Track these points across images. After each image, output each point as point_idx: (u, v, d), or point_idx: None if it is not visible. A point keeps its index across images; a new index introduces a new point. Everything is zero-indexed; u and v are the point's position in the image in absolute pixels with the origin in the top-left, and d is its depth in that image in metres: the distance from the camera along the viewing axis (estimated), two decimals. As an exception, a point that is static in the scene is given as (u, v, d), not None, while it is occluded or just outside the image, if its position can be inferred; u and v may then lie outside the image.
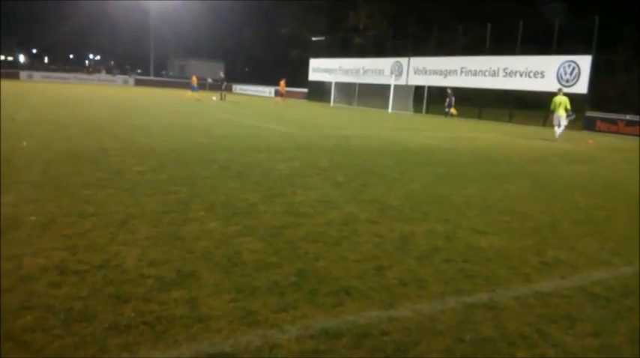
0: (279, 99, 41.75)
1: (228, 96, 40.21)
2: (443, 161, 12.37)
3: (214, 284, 4.01)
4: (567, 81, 29.99)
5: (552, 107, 20.36)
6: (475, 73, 35.48)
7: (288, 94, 55.77)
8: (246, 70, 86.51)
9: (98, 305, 3.50)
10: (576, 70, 29.58)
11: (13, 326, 3.15)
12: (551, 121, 20.66)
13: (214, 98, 36.92)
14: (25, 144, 10.67)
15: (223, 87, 39.46)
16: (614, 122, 28.34)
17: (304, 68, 54.58)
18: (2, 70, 61.83)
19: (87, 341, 3.03)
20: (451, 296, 4.08)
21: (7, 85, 41.61)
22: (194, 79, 37.98)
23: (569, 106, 20.22)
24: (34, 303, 3.47)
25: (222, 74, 38.97)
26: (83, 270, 4.10)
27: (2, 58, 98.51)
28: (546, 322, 3.71)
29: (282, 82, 42.73)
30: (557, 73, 30.53)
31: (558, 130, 20.32)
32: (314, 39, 54.19)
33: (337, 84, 45.65)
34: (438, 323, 3.57)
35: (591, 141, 20.68)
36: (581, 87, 29.26)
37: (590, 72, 28.98)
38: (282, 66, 72.48)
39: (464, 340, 3.35)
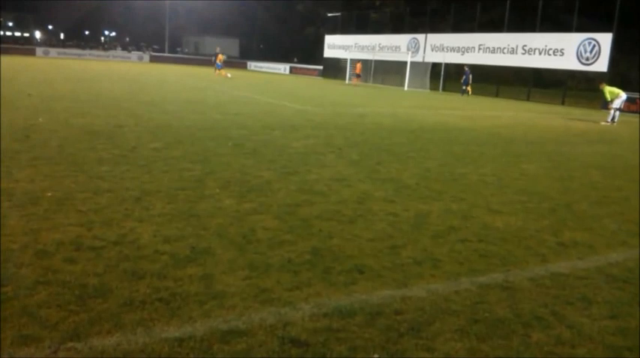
0: (355, 80, 41.83)
1: (227, 72, 40.02)
2: (459, 139, 12.26)
3: (229, 261, 4.02)
4: (587, 59, 29.46)
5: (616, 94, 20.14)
6: (493, 50, 34.93)
7: (303, 72, 55.56)
8: (261, 46, 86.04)
9: (113, 281, 3.53)
10: (597, 48, 29.01)
11: (29, 301, 3.18)
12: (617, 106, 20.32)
13: (229, 75, 36.81)
14: (41, 120, 10.73)
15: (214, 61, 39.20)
16: (634, 101, 27.84)
17: (319, 45, 54.15)
18: (19, 47, 62.40)
19: (102, 316, 3.06)
20: (466, 276, 4.06)
21: (24, 61, 41.84)
22: (220, 58, 37.62)
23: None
24: (49, 279, 3.50)
25: (217, 49, 38.92)
26: (99, 246, 4.13)
27: (18, 34, 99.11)
28: (562, 303, 3.67)
29: (359, 65, 42.67)
30: (576, 51, 29.97)
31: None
32: (329, 15, 53.65)
33: (353, 61, 45.24)
34: (452, 304, 3.55)
35: (609, 120, 20.36)
36: (602, 65, 28.70)
37: (611, 50, 28.41)
38: (298, 42, 72.02)
39: (478, 320, 3.33)
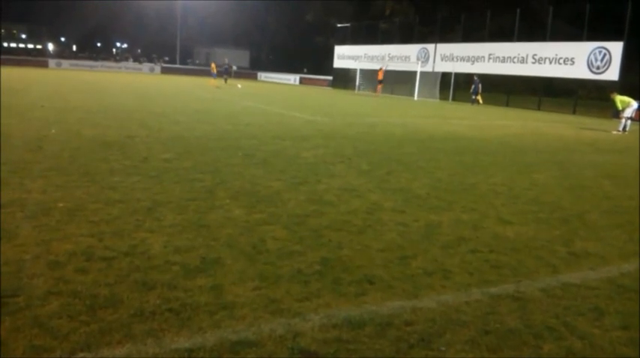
0: (379, 87, 40.84)
1: (230, 81, 40.74)
2: (469, 149, 12.23)
3: (238, 271, 4.02)
4: (598, 68, 29.35)
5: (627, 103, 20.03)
6: (503, 60, 34.90)
7: (312, 82, 55.64)
8: (271, 57, 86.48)
9: (124, 292, 3.54)
10: (607, 57, 28.90)
11: (40, 311, 3.20)
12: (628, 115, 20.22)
13: (239, 86, 37.02)
14: (53, 131, 10.83)
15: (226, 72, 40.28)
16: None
17: (329, 55, 54.32)
18: (32, 58, 63.21)
19: (112, 327, 3.07)
20: (476, 286, 4.04)
21: (37, 72, 42.32)
22: (213, 67, 38.32)
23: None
24: (61, 289, 3.53)
25: (226, 60, 39.81)
26: (110, 257, 4.16)
27: (31, 46, 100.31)
28: (573, 314, 3.65)
29: (381, 72, 41.62)
30: (587, 60, 29.87)
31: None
32: (339, 25, 53.82)
33: (362, 71, 45.32)
34: (463, 315, 3.53)
35: (620, 129, 20.23)
36: (612, 74, 28.58)
37: (622, 58, 28.29)
38: (307, 53, 72.30)
39: (489, 331, 3.31)
